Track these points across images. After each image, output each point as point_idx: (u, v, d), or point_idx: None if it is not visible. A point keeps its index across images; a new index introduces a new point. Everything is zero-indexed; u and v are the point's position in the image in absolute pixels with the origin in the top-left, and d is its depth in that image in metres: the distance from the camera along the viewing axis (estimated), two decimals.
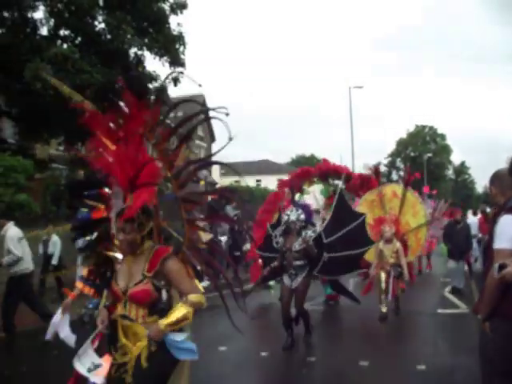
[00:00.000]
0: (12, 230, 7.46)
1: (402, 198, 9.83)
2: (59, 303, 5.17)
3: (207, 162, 4.60)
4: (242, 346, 6.66)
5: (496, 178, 3.45)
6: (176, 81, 15.46)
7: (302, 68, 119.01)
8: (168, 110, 3.47)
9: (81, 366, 3.09)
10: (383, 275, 8.37)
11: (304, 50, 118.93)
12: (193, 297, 2.99)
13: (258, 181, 39.34)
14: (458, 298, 10.18)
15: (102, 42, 14.46)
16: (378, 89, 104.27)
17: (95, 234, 3.42)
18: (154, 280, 3.01)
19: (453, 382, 5.50)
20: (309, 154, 65.01)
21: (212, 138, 38.22)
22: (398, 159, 65.13)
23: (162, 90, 15.57)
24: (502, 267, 2.80)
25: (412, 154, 64.28)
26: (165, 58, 15.52)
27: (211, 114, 3.33)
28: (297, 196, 10.61)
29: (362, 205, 9.98)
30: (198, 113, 3.53)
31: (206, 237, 3.68)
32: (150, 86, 15.59)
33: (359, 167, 32.45)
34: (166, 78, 16.06)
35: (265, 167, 48.46)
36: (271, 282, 9.34)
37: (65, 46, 14.08)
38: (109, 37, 14.39)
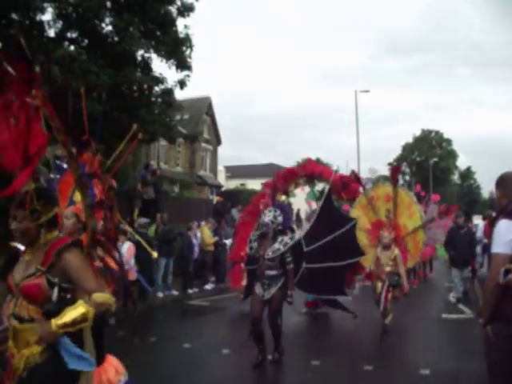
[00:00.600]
0: None
1: (394, 198, 8.83)
2: None
3: None
4: (246, 349, 6.61)
5: (501, 181, 3.44)
6: (182, 84, 15.53)
7: (311, 70, 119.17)
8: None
9: None
10: (379, 285, 7.71)
11: (313, 52, 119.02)
12: (97, 296, 2.60)
13: (263, 184, 39.04)
14: (463, 304, 10.13)
15: (109, 43, 14.50)
16: (386, 93, 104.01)
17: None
18: (49, 275, 2.62)
19: None
20: (315, 158, 65.04)
21: (218, 141, 38.27)
22: (404, 164, 65.05)
23: (169, 92, 15.66)
24: (507, 272, 2.80)
25: (418, 159, 64.28)
26: (171, 60, 15.57)
27: None
28: (282, 198, 10.10)
29: (356, 207, 9.24)
30: None
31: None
32: (157, 88, 15.67)
33: (364, 171, 32.52)
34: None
35: (270, 170, 48.35)
36: None
37: (72, 47, 14.16)
38: (116, 39, 14.43)
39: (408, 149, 65.16)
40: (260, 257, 6.00)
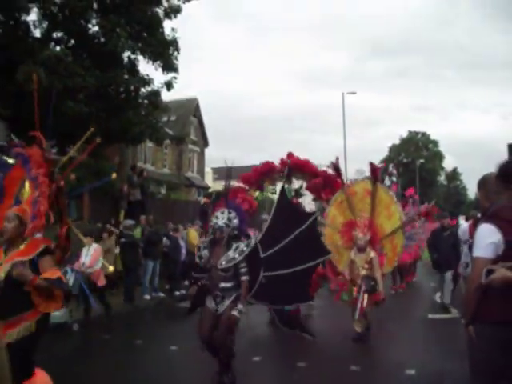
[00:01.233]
0: None
1: (372, 196, 7.86)
2: None
3: None
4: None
5: (482, 183, 3.44)
6: (169, 85, 15.49)
7: (299, 71, 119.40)
8: None
9: None
10: (354, 289, 7.28)
11: (300, 54, 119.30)
12: None
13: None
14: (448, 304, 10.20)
15: (96, 44, 14.44)
16: (372, 94, 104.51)
17: None
18: None
19: None
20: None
21: (205, 143, 38.17)
22: (391, 165, 65.42)
23: (156, 94, 15.61)
24: (490, 272, 2.83)
25: (405, 160, 64.69)
26: (158, 62, 15.53)
27: None
28: (256, 194, 9.26)
29: (333, 206, 8.26)
30: None
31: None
32: (143, 90, 15.62)
33: (351, 173, 32.62)
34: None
35: None
36: None
37: (58, 48, 14.06)
38: (102, 40, 14.37)
39: (395, 150, 65.57)
40: (212, 267, 5.22)
